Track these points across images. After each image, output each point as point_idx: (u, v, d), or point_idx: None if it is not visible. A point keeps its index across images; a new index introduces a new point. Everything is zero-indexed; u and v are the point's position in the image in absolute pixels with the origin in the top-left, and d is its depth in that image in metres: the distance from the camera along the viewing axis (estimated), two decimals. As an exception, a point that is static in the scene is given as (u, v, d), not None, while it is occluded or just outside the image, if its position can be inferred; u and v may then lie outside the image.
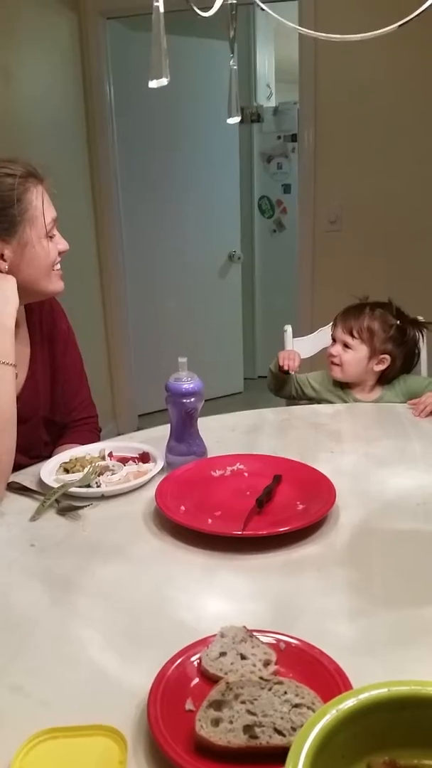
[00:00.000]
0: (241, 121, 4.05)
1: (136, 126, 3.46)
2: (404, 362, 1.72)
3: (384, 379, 1.71)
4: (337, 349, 1.69)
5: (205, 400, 1.20)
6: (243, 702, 0.59)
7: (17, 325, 1.32)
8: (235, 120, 1.23)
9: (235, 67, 1.17)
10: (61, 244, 1.24)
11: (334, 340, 1.73)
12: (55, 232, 1.23)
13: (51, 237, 1.21)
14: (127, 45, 3.21)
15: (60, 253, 1.24)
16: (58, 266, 1.25)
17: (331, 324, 1.78)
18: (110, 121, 3.26)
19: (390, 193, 3.05)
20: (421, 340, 1.76)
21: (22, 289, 1.19)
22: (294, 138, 4.00)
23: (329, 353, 1.71)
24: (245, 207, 4.21)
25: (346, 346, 1.67)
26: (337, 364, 1.69)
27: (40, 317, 1.37)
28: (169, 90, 3.64)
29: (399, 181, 3.03)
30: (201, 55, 3.47)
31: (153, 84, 0.74)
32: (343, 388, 1.73)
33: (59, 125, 3.04)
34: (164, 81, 0.73)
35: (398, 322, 1.68)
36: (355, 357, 1.67)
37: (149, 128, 3.53)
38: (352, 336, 1.66)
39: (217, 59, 3.17)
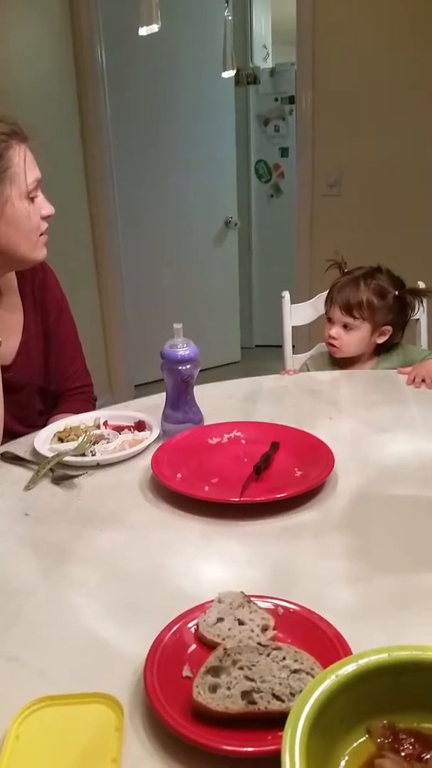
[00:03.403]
0: (237, 83, 3.97)
1: (129, 88, 3.37)
2: (402, 329, 1.69)
3: (382, 348, 1.68)
4: (337, 331, 1.62)
5: (202, 370, 1.18)
6: (241, 668, 0.59)
7: (8, 292, 1.29)
8: (230, 74, 1.20)
9: (230, 18, 1.12)
10: (45, 208, 1.19)
11: (329, 319, 1.66)
12: (39, 194, 1.18)
13: (32, 199, 1.16)
14: (119, 2, 3.10)
15: (44, 218, 1.19)
16: (44, 234, 1.21)
17: (325, 300, 1.70)
18: (102, 84, 3.16)
19: (390, 156, 2.99)
20: (421, 308, 1.71)
21: (2, 255, 1.16)
22: (291, 100, 3.92)
23: (329, 335, 1.64)
24: (242, 171, 4.14)
25: (345, 326, 1.62)
26: (337, 346, 1.63)
27: (33, 285, 1.34)
28: (163, 51, 3.57)
29: (399, 143, 2.96)
30: (196, 16, 3.37)
31: (143, 31, 0.70)
32: (340, 366, 1.68)
33: (48, 89, 2.95)
34: (155, 27, 0.69)
35: (396, 292, 1.63)
36: (357, 336, 1.62)
37: (143, 91, 3.44)
38: (354, 317, 1.60)
39: (212, 20, 3.08)
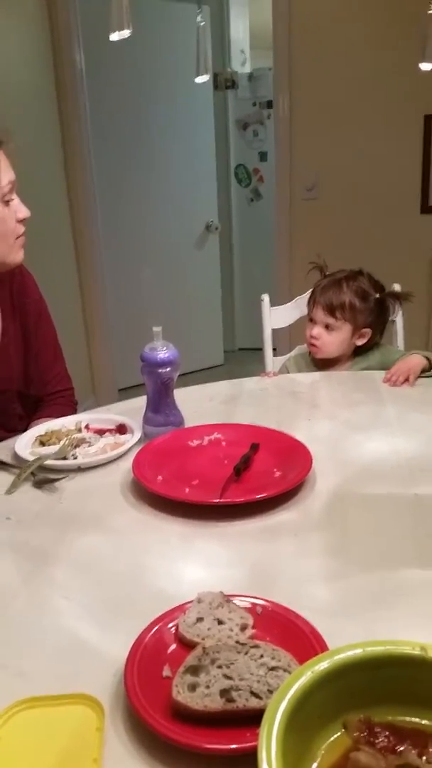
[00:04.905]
0: (216, 88, 3.99)
1: (109, 93, 3.37)
2: (381, 332, 1.71)
3: (361, 349, 1.70)
4: (318, 331, 1.64)
5: (186, 374, 1.18)
6: (219, 666, 0.60)
7: None
8: (203, 79, 1.20)
9: (202, 24, 1.13)
10: (20, 211, 1.19)
11: (311, 319, 1.67)
12: (14, 197, 1.18)
13: (7, 202, 1.16)
14: (98, 6, 3.10)
15: (20, 221, 1.19)
16: (21, 237, 1.20)
17: (308, 300, 1.72)
18: (81, 89, 3.16)
19: (367, 159, 3.03)
20: (399, 310, 1.74)
21: None
22: (270, 104, 3.94)
23: (310, 335, 1.66)
24: (222, 176, 4.15)
25: (327, 326, 1.63)
26: (318, 346, 1.65)
27: (11, 289, 1.34)
28: (143, 56, 3.56)
29: (376, 146, 3.00)
30: (175, 22, 3.38)
31: (114, 36, 0.71)
32: (320, 367, 1.70)
33: (27, 94, 2.94)
34: (126, 33, 0.70)
35: (377, 295, 1.65)
36: (338, 337, 1.63)
37: (123, 95, 3.44)
38: (336, 317, 1.62)
39: (190, 25, 3.08)
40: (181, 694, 0.57)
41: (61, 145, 3.21)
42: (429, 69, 2.13)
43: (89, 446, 1.15)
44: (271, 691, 0.57)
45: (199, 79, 1.19)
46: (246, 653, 0.61)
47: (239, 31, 4.26)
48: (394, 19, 2.81)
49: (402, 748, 0.51)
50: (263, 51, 3.90)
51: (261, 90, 4.11)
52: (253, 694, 0.57)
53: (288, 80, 3.02)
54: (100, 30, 2.97)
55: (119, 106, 3.44)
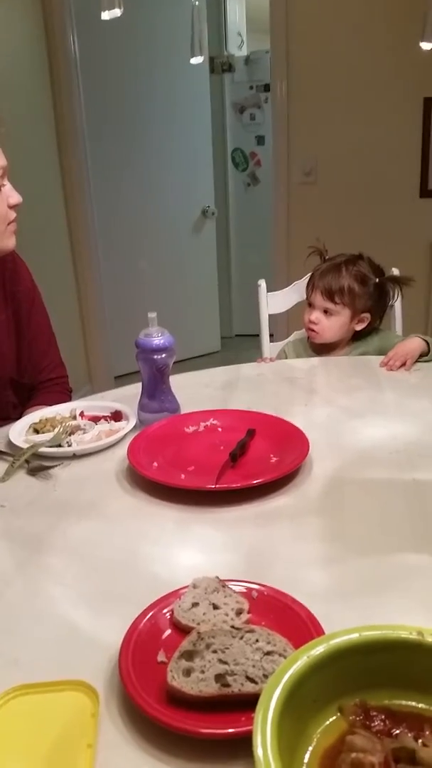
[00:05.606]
0: (212, 71, 3.94)
1: (104, 77, 3.32)
2: (381, 316, 1.70)
3: (360, 334, 1.69)
4: (317, 316, 1.62)
5: (183, 360, 1.18)
6: (215, 651, 0.59)
7: None
8: (197, 60, 1.19)
9: (197, 3, 1.11)
10: (12, 197, 1.18)
11: (310, 304, 1.66)
12: (6, 183, 1.17)
13: None
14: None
15: (12, 207, 1.18)
16: (13, 223, 1.19)
17: (306, 285, 1.70)
18: (75, 73, 3.12)
19: (366, 143, 3.00)
20: (398, 295, 1.73)
21: None
22: (267, 88, 3.90)
23: (309, 320, 1.64)
24: (218, 160, 4.11)
25: (326, 311, 1.62)
26: (317, 331, 1.63)
27: (2, 276, 1.32)
28: (138, 39, 3.51)
29: (374, 130, 2.97)
30: (170, 3, 3.33)
31: (105, 15, 0.69)
32: (319, 352, 1.69)
33: (21, 78, 2.90)
34: (117, 12, 0.68)
35: (377, 279, 1.64)
36: (337, 321, 1.62)
37: (117, 79, 3.40)
38: (335, 302, 1.60)
39: (187, 7, 3.05)
40: (176, 680, 0.57)
41: (54, 130, 3.17)
42: (430, 48, 2.10)
43: (84, 433, 1.14)
44: (266, 676, 0.57)
45: (194, 60, 1.17)
46: (241, 638, 0.60)
47: (236, 13, 4.21)
48: (393, 0, 2.77)
49: (398, 732, 0.51)
50: (260, 34, 3.84)
51: (258, 73, 4.06)
52: (249, 678, 0.57)
53: (285, 63, 2.98)
54: (94, 13, 2.93)
55: (114, 90, 3.40)
